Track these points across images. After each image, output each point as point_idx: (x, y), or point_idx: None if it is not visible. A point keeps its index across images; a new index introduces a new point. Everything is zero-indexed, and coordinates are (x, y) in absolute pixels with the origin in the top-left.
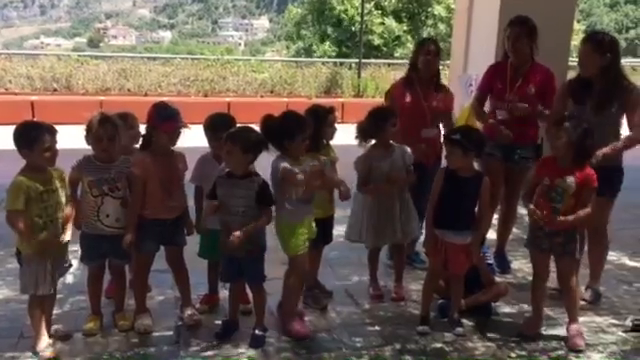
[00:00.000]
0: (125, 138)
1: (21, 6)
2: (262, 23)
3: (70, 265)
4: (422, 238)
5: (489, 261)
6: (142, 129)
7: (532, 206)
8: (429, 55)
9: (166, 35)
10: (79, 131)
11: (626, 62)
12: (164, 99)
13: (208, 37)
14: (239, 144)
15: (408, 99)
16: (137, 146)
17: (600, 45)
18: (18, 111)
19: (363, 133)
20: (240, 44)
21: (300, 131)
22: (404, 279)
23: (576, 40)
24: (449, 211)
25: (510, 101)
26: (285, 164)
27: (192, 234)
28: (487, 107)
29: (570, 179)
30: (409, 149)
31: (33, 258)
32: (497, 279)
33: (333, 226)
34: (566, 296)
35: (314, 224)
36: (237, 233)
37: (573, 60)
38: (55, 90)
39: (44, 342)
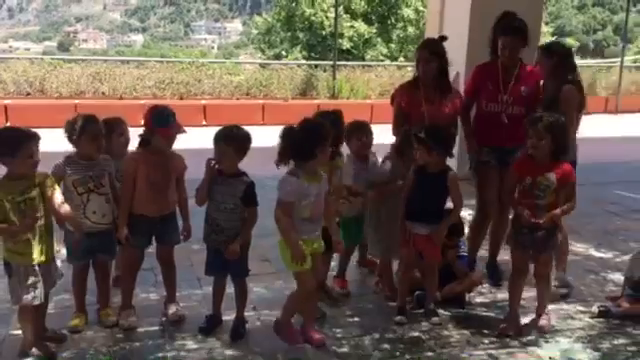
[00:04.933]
0: (116, 145)
1: None
2: (235, 26)
3: (61, 274)
4: None
5: (463, 253)
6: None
7: (521, 208)
8: (421, 62)
9: (138, 39)
10: (54, 134)
11: (594, 63)
12: (140, 102)
13: (181, 40)
14: (232, 145)
15: (407, 102)
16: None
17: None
18: None
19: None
20: (213, 47)
21: (326, 139)
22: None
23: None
24: (417, 204)
25: (506, 102)
26: (296, 188)
27: (185, 239)
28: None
29: (551, 176)
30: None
31: (21, 268)
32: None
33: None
34: (541, 288)
35: (321, 242)
36: (235, 248)
37: None
38: (28, 94)
39: (32, 342)
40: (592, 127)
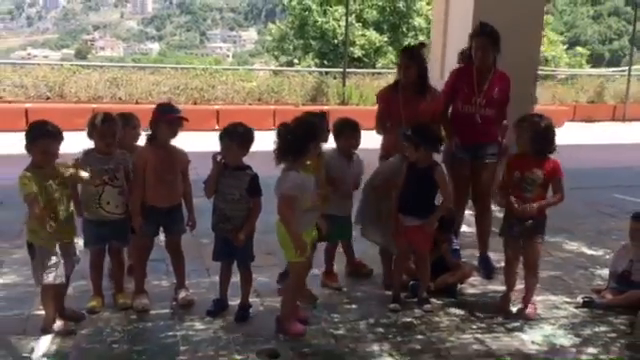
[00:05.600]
0: (129, 137)
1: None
2: (250, 35)
3: (79, 259)
4: None
5: (456, 247)
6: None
7: (513, 198)
8: (402, 67)
9: (154, 47)
10: (73, 137)
11: (612, 72)
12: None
13: (196, 49)
14: (236, 140)
15: (387, 103)
16: (138, 144)
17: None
18: (12, 118)
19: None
20: (228, 55)
21: (318, 135)
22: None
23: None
24: (409, 198)
25: (479, 104)
26: (297, 182)
27: (192, 229)
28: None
29: (538, 171)
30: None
31: (43, 249)
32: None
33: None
34: (530, 276)
35: (315, 232)
36: (241, 237)
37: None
38: (48, 98)
39: (54, 319)
40: (599, 134)
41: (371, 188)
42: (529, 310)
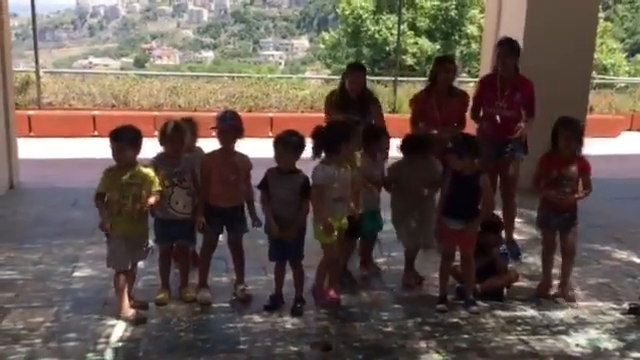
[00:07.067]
0: (190, 140)
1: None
2: (302, 43)
3: (150, 249)
4: None
5: (504, 252)
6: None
7: (553, 192)
8: (449, 72)
9: (209, 55)
10: None
11: None
12: (212, 114)
13: (249, 57)
14: (290, 146)
15: (423, 105)
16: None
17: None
18: (81, 125)
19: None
20: (281, 63)
21: (353, 134)
22: (425, 268)
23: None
24: (456, 204)
25: (501, 107)
26: (327, 174)
27: (259, 226)
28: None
29: (573, 168)
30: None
31: (114, 239)
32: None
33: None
34: (568, 260)
35: (346, 220)
36: (293, 232)
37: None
38: (114, 106)
39: (127, 308)
40: None
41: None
42: (571, 293)
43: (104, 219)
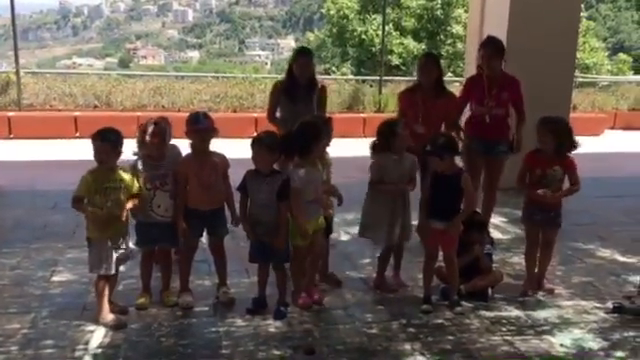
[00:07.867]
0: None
1: (54, 27)
2: (288, 43)
3: (130, 251)
4: None
5: (488, 251)
6: None
7: (540, 191)
8: (425, 70)
9: (194, 55)
10: None
11: None
12: None
13: (235, 56)
14: (264, 146)
15: (408, 103)
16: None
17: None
18: (62, 126)
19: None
20: (267, 63)
21: (322, 133)
22: (409, 269)
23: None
24: (437, 204)
25: (490, 106)
26: (303, 176)
27: (236, 226)
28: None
29: (557, 168)
30: (416, 159)
31: (97, 241)
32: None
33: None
34: (546, 256)
35: (323, 219)
36: (280, 242)
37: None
38: (96, 107)
39: (106, 313)
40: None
41: (370, 185)
42: (549, 285)
43: (91, 213)
